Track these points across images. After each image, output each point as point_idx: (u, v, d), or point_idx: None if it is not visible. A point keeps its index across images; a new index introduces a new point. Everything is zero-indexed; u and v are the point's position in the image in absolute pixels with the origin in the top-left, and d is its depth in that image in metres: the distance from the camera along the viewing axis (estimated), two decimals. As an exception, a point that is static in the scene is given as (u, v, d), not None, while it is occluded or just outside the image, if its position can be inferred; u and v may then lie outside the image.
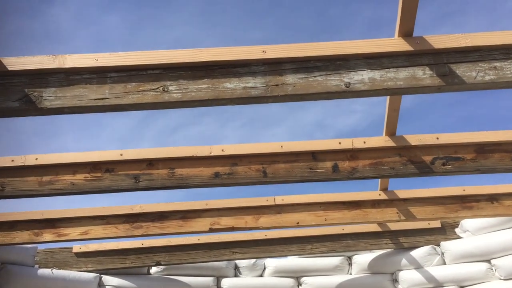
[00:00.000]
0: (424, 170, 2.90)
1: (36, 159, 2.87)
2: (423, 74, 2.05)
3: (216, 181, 2.86)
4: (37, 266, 4.22)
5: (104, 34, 6.34)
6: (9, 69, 2.02)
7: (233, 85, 2.04)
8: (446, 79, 2.04)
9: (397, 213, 3.74)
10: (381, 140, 2.96)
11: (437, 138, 2.93)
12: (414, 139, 2.94)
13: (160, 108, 2.04)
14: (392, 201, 3.78)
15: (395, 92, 2.08)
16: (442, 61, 2.07)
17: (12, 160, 2.85)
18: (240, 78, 2.05)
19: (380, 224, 4.48)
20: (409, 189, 3.77)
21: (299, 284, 4.76)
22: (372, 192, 3.79)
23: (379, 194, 3.76)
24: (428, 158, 2.91)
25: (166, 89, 2.03)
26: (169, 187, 2.84)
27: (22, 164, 2.85)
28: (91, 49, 2.08)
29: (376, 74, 2.06)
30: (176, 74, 2.05)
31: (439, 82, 2.03)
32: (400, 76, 2.06)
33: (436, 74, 2.05)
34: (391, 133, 2.95)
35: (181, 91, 2.03)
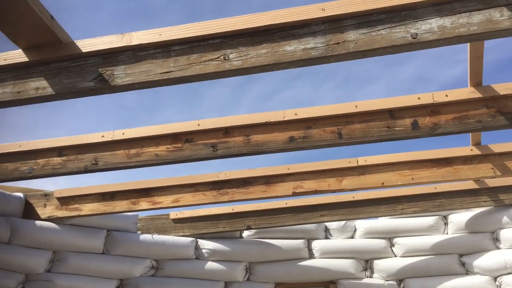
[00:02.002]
0: (516, 121, 2.66)
1: (123, 133, 3.07)
2: (501, 16, 1.86)
3: (291, 145, 2.86)
4: (139, 232, 4.56)
5: (195, 7, 6.46)
6: (83, 50, 2.15)
7: (292, 48, 2.00)
8: (527, 18, 1.83)
9: (492, 168, 3.48)
10: (465, 92, 2.75)
11: (531, 85, 2.67)
12: (503, 88, 2.70)
13: (222, 77, 2.07)
14: (486, 156, 3.53)
15: (468, 39, 1.91)
16: (524, -2, 1.86)
17: (102, 136, 3.08)
18: (300, 40, 2.01)
19: (477, 181, 4.21)
20: (504, 142, 3.49)
21: (392, 245, 4.66)
22: (463, 148, 3.56)
23: (471, 150, 3.52)
24: (520, 108, 2.67)
25: (226, 58, 2.05)
26: (245, 154, 2.89)
27: (111, 139, 3.06)
28: (184, 23, 2.12)
29: (447, 21, 1.91)
30: (235, 42, 2.06)
31: (519, 23, 1.83)
32: (473, 20, 1.88)
33: (516, 14, 1.85)
34: (476, 83, 2.73)
35: (241, 58, 2.03)
